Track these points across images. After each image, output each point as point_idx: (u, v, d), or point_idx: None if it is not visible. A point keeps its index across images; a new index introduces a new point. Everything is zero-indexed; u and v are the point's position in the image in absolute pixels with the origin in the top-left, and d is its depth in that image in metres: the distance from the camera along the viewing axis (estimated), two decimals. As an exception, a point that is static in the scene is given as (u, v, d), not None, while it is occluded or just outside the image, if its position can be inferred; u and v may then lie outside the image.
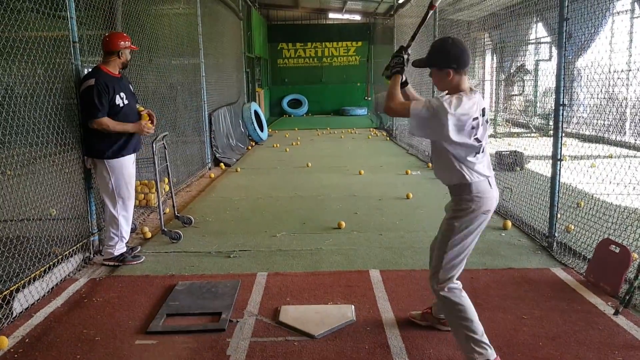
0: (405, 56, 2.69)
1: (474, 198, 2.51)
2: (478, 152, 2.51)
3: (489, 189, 2.55)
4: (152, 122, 4.28)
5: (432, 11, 2.84)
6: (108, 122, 3.98)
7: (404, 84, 2.74)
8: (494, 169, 2.74)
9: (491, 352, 2.50)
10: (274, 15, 20.50)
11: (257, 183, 7.52)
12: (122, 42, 4.06)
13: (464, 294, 2.59)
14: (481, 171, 2.53)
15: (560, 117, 4.22)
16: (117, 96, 4.01)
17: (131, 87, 4.31)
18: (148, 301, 3.51)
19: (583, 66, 4.93)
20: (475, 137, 2.47)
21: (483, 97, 2.61)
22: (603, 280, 3.53)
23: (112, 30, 4.86)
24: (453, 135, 2.41)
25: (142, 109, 4.42)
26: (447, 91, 2.58)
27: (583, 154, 5.30)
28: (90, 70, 4.11)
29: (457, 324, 2.55)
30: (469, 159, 2.50)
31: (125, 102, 4.08)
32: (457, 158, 2.51)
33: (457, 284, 2.60)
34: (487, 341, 2.52)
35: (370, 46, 19.78)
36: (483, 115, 2.52)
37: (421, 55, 2.71)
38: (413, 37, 2.83)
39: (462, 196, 2.54)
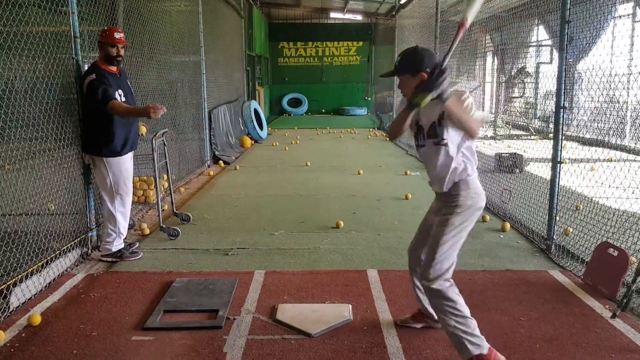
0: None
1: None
2: None
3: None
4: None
5: (462, 31, 2.58)
6: (115, 105, 3.89)
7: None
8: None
9: (485, 345, 2.50)
10: (275, 14, 20.50)
11: (256, 181, 7.51)
12: (117, 35, 4.00)
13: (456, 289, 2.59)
14: None
15: (561, 119, 4.22)
16: (116, 93, 4.00)
17: (129, 83, 4.29)
18: (145, 297, 3.50)
19: (584, 69, 4.92)
20: None
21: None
22: (601, 283, 3.53)
23: (114, 25, 4.84)
24: None
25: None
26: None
27: (583, 157, 5.29)
28: (88, 66, 4.10)
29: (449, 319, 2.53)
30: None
31: (124, 99, 4.06)
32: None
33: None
34: (479, 334, 2.51)
35: (371, 46, 19.78)
36: None
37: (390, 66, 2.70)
38: (447, 55, 2.51)
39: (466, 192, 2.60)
